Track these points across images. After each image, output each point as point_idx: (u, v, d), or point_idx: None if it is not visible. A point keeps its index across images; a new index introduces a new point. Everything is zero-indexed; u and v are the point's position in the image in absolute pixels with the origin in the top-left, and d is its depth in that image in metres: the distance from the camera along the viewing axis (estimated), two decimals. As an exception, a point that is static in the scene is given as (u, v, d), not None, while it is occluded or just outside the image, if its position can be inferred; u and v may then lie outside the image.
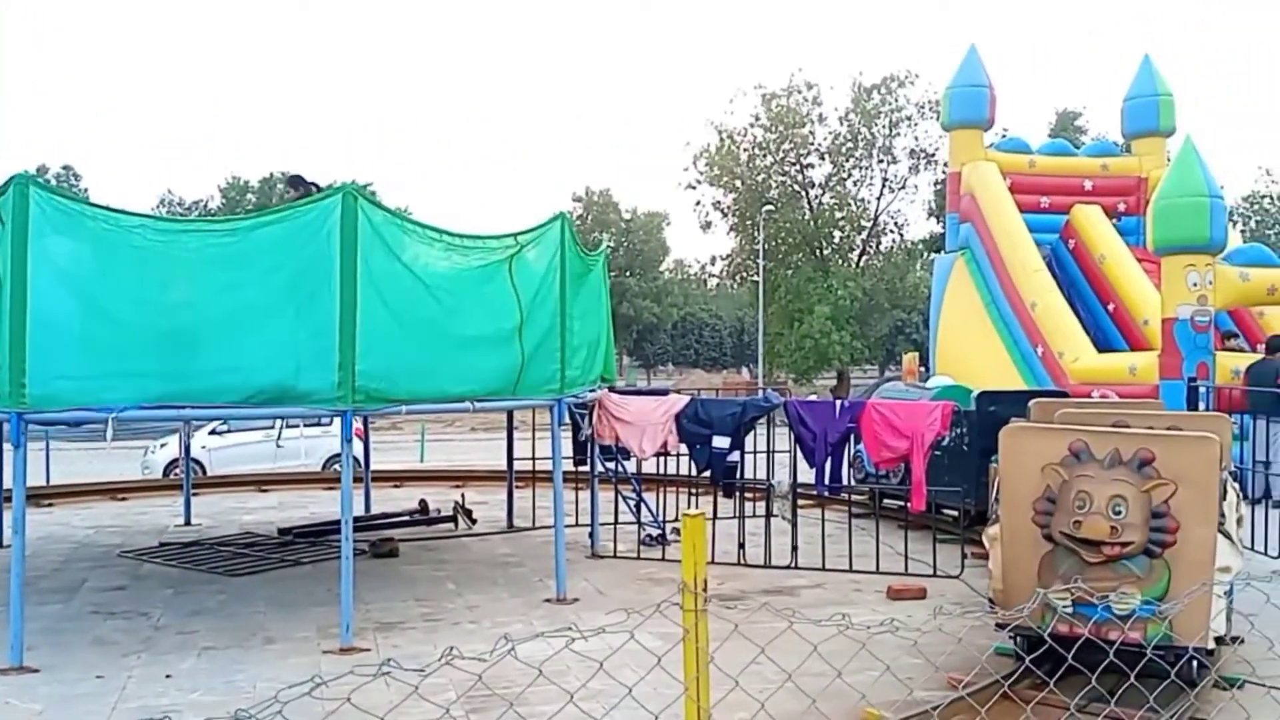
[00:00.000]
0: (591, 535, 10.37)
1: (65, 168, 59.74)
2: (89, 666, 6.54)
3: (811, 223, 45.01)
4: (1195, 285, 13.31)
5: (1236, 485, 6.44)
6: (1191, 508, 5.58)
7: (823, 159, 44.94)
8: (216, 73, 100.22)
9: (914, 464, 9.20)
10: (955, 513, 10.57)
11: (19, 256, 6.18)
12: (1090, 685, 4.14)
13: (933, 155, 43.80)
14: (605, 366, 10.49)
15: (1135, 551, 5.64)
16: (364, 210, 6.85)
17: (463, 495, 12.83)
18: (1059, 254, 17.86)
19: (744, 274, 48.85)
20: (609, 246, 14.33)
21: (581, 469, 11.07)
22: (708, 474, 10.09)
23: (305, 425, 17.68)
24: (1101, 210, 17.85)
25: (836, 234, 46.25)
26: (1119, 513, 5.64)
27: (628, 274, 63.61)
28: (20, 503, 6.47)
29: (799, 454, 9.75)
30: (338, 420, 7.15)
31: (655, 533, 10.57)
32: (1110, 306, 16.78)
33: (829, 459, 9.63)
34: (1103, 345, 15.96)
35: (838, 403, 9.99)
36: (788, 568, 9.45)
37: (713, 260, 51.74)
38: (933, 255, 26.60)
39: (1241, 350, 15.02)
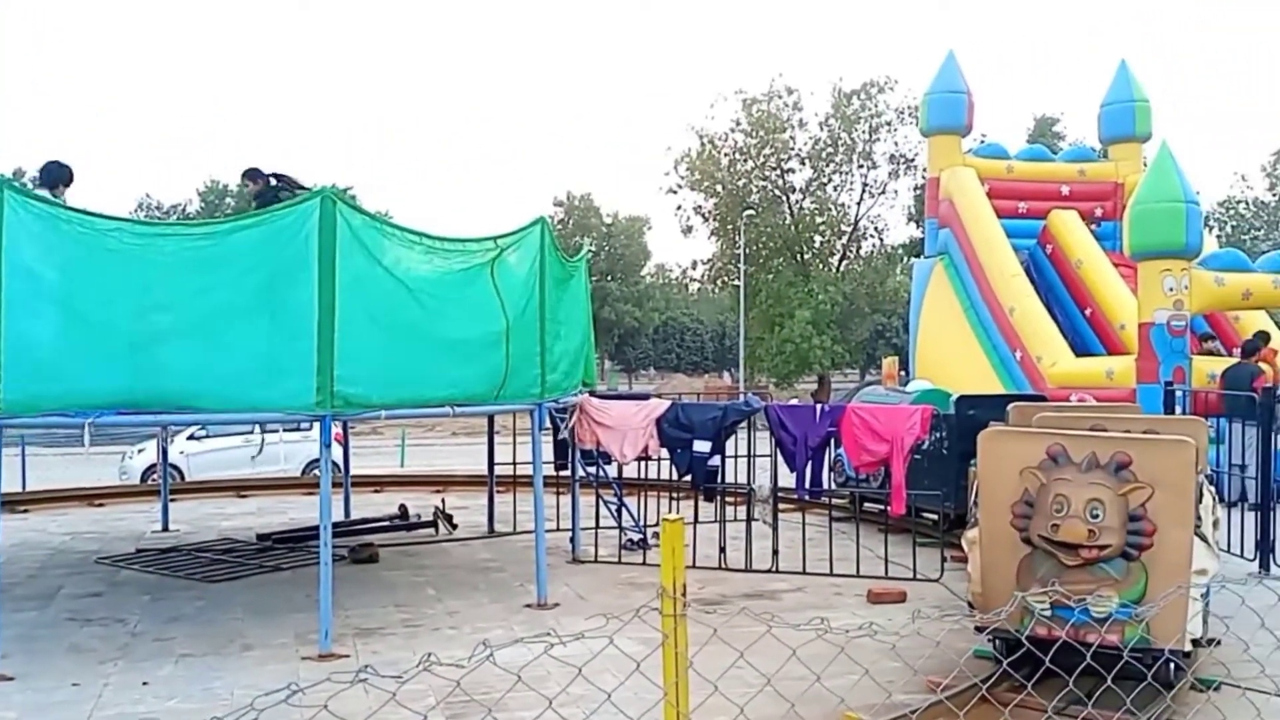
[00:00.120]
0: (572, 540, 10.35)
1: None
2: (65, 674, 6.48)
3: (792, 227, 45.16)
4: (1171, 290, 13.43)
5: (1212, 488, 6.49)
6: (1168, 511, 5.61)
7: (803, 164, 45.09)
8: (195, 76, 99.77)
9: (894, 468, 9.23)
10: (935, 516, 10.62)
11: (-7, 260, 6.12)
12: (1068, 688, 4.16)
13: (912, 160, 44.00)
14: (586, 371, 10.48)
15: (1112, 554, 5.67)
16: (343, 214, 6.83)
17: (443, 500, 12.78)
18: (1037, 259, 17.99)
19: (725, 278, 48.95)
20: (590, 251, 14.34)
21: (562, 473, 11.06)
22: (689, 478, 10.09)
23: (284, 430, 17.57)
24: (1079, 215, 17.99)
25: (817, 238, 46.42)
26: (1096, 516, 5.67)
27: (609, 278, 63.64)
28: (-6, 509, 6.41)
29: (780, 458, 9.77)
30: (317, 425, 7.11)
31: (636, 537, 10.57)
32: (1087, 311, 16.91)
33: (809, 463, 9.64)
34: (1080, 349, 16.08)
35: (818, 407, 10.01)
36: (769, 572, 9.46)
37: (694, 265, 51.81)
38: (912, 260, 26.70)
39: (1218, 354, 15.16)
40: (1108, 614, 5.59)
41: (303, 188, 9.36)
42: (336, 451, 12.43)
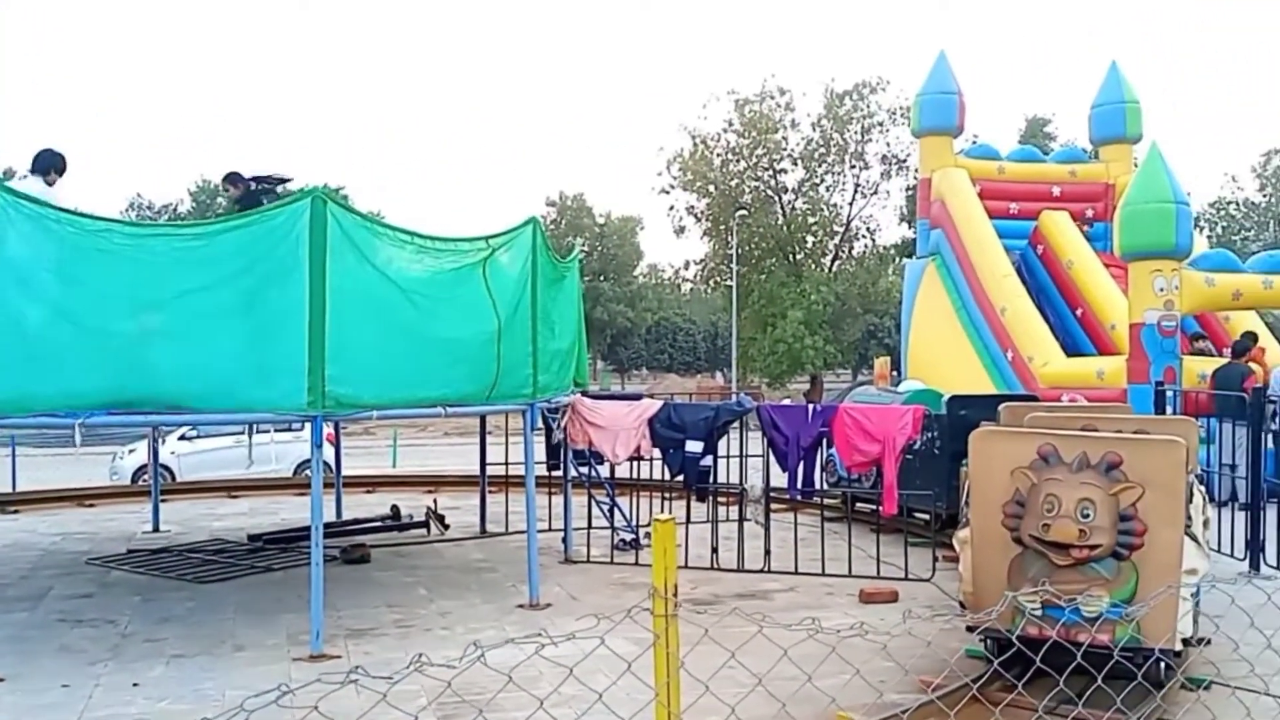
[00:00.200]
0: (565, 540, 10.35)
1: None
2: (55, 675, 6.46)
3: (784, 227, 45.22)
4: (1162, 290, 13.47)
5: (1203, 488, 6.52)
6: (1158, 510, 5.63)
7: (795, 164, 45.18)
8: (184, 76, 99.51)
9: (886, 468, 9.24)
10: (927, 516, 10.63)
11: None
12: (1059, 687, 4.17)
13: (904, 161, 44.12)
14: (578, 371, 10.48)
15: (1103, 554, 5.69)
16: (334, 214, 6.81)
17: (435, 500, 12.77)
18: (1028, 259, 18.03)
19: (717, 278, 48.98)
20: (582, 251, 14.34)
21: (555, 474, 11.05)
22: (681, 478, 10.09)
23: (276, 430, 17.53)
24: (1070, 216, 18.03)
25: (809, 239, 46.51)
26: (1087, 516, 5.69)
27: (601, 278, 63.61)
28: (-16, 510, 6.39)
29: (772, 458, 9.78)
30: (308, 425, 7.09)
31: (628, 537, 10.57)
32: (1078, 311, 16.95)
33: (802, 463, 9.65)
34: (1071, 350, 16.13)
35: (810, 407, 10.02)
36: (761, 571, 9.47)
37: (686, 265, 51.89)
38: (904, 260, 26.74)
39: (1208, 354, 15.20)
40: (1098, 613, 5.60)
41: (284, 180, 9.32)
42: (328, 452, 12.42)
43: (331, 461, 13.30)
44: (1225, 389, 12.16)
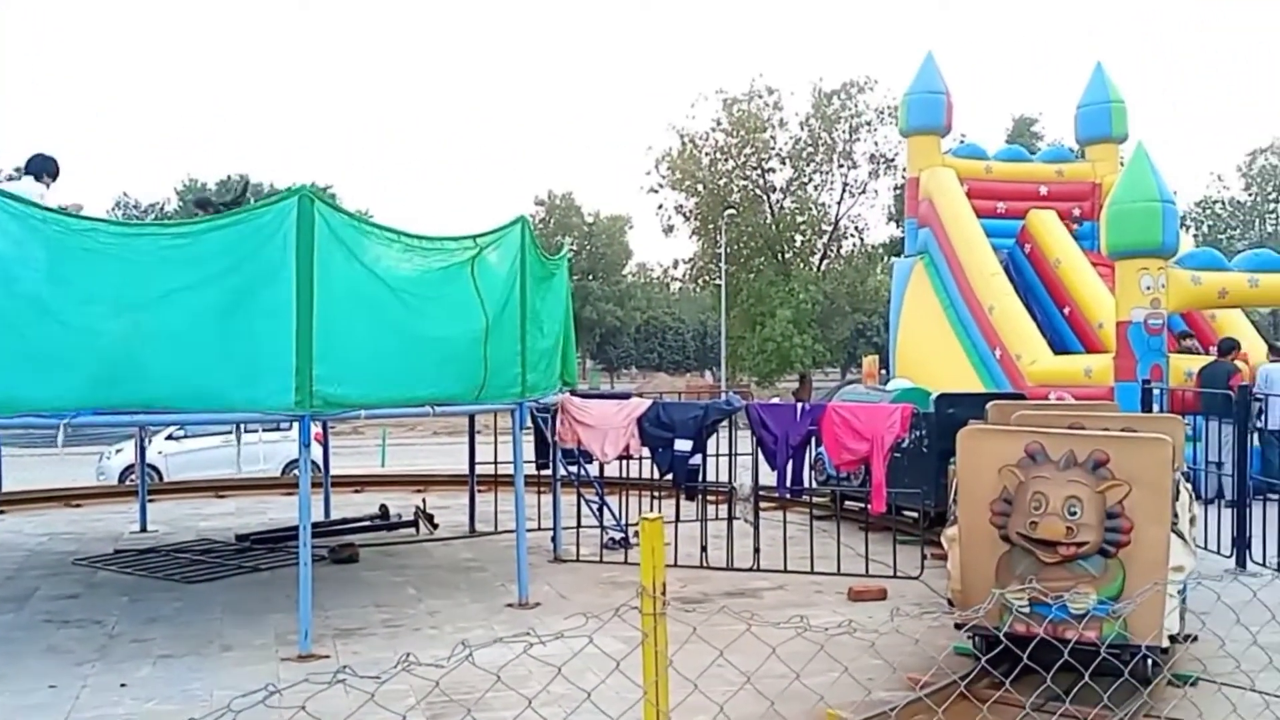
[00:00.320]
0: (554, 539, 10.35)
1: (17, 169, 58.72)
2: (42, 676, 6.43)
3: (773, 226, 45.25)
4: (1148, 289, 13.54)
5: (1189, 486, 6.54)
6: (1145, 508, 5.66)
7: (784, 163, 45.20)
8: (171, 75, 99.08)
9: (874, 466, 9.26)
10: (915, 514, 10.67)
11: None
12: (1046, 684, 4.19)
13: (892, 160, 44.18)
14: (567, 370, 10.47)
15: (1090, 551, 5.71)
16: (321, 213, 6.79)
17: (424, 500, 12.75)
18: (1016, 258, 18.09)
19: (706, 277, 48.98)
20: (571, 250, 14.34)
21: (544, 473, 11.05)
22: (670, 477, 10.10)
23: (264, 430, 17.50)
24: (1057, 215, 18.10)
25: (798, 238, 46.53)
26: (1074, 513, 5.71)
27: (590, 277, 63.60)
28: (-31, 510, 6.36)
29: (761, 457, 9.79)
30: (296, 425, 7.07)
31: (618, 536, 10.57)
32: (1066, 310, 17.02)
33: (790, 461, 9.67)
34: (1059, 348, 16.19)
35: (799, 406, 10.04)
36: (750, 570, 9.48)
37: (675, 264, 51.83)
38: (892, 259, 26.82)
39: (1194, 352, 15.27)
40: (1085, 610, 5.62)
41: (247, 185, 9.28)
42: (316, 451, 12.37)
43: (320, 461, 13.26)
44: (1211, 387, 12.22)
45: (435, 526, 11.90)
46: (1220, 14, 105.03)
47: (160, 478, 16.76)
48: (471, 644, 2.80)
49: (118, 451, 18.14)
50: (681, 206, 45.72)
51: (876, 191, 46.25)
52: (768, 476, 9.82)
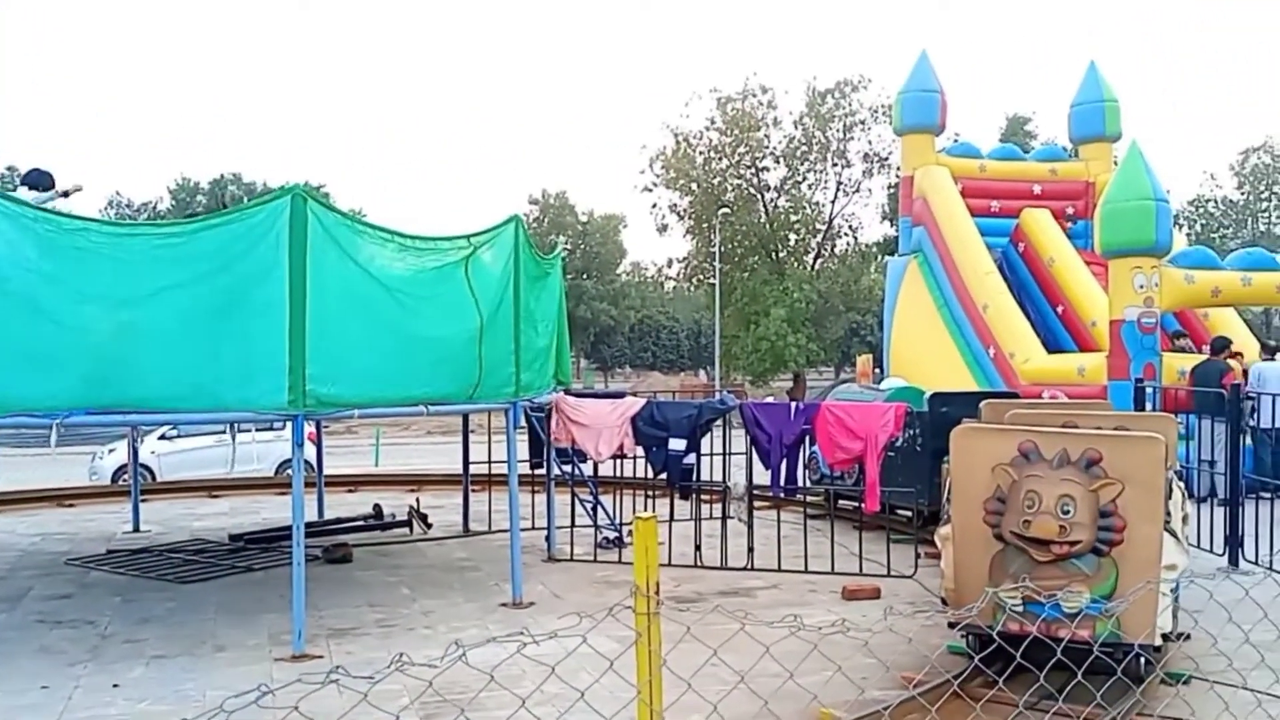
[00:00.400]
0: (548, 538, 10.34)
1: (10, 168, 58.53)
2: (34, 676, 6.41)
3: (767, 225, 45.27)
4: (1142, 287, 13.57)
5: (1182, 484, 6.56)
6: (1138, 507, 5.67)
7: (778, 162, 45.22)
8: (169, 73, 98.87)
9: (868, 465, 9.27)
10: (909, 513, 10.67)
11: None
12: (1039, 683, 4.19)
13: (886, 159, 44.23)
14: (561, 369, 10.47)
15: (1083, 550, 5.72)
16: (314, 212, 6.78)
17: (418, 499, 12.74)
18: (1009, 257, 18.12)
19: (700, 276, 48.99)
20: (565, 249, 14.31)
21: (538, 472, 11.04)
22: (664, 476, 10.10)
23: (257, 430, 17.43)
24: (1051, 214, 18.13)
25: (792, 237, 46.56)
26: (1067, 512, 5.72)
27: (584, 276, 63.58)
28: (-39, 511, 6.33)
29: (755, 456, 9.80)
30: (290, 424, 7.06)
31: (612, 535, 10.56)
32: (1059, 308, 17.05)
33: (784, 461, 9.67)
34: (1052, 346, 16.22)
35: (793, 405, 10.05)
36: (744, 569, 9.48)
37: (669, 263, 51.86)
38: (886, 258, 26.83)
39: (1188, 351, 15.31)
40: (1079, 609, 5.63)
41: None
42: (309, 451, 12.37)
43: (313, 460, 13.24)
44: (1204, 385, 12.24)
45: (429, 526, 11.89)
46: (1214, 14, 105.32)
47: (153, 477, 16.70)
48: (465, 644, 2.80)
49: (110, 451, 18.07)
50: (676, 205, 45.74)
51: (870, 190, 46.35)
52: (762, 476, 9.83)
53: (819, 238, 46.85)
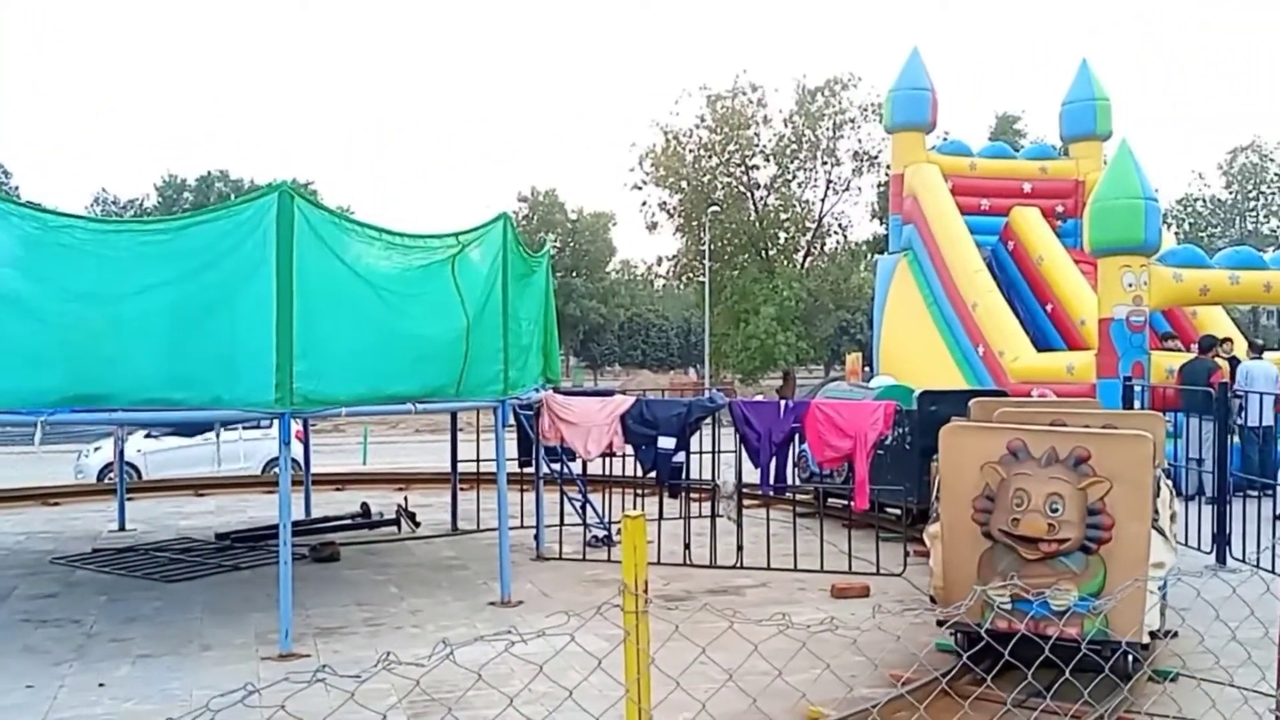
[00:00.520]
0: (537, 537, 10.32)
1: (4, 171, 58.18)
2: (19, 675, 6.37)
3: (757, 223, 45.26)
4: (1131, 286, 13.60)
5: (1170, 482, 6.57)
6: (1126, 505, 5.67)
7: (767, 160, 45.18)
8: (163, 71, 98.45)
9: (857, 463, 9.28)
10: (898, 511, 10.68)
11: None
12: (1027, 680, 4.19)
13: (875, 157, 44.23)
14: (550, 367, 10.44)
15: (1072, 548, 5.73)
16: (301, 209, 6.75)
17: (406, 498, 12.71)
18: (999, 255, 18.15)
19: (690, 274, 48.96)
20: (554, 247, 14.30)
21: (526, 470, 11.02)
22: (653, 474, 10.09)
23: (244, 428, 17.36)
24: (1040, 212, 18.17)
25: (781, 235, 46.55)
26: (1056, 510, 5.72)
27: (574, 274, 63.52)
28: (-55, 509, 6.29)
29: (744, 454, 9.79)
30: (277, 422, 7.03)
31: (601, 534, 10.55)
32: (1048, 307, 17.08)
33: (774, 459, 9.67)
34: (1041, 345, 16.25)
35: (782, 403, 10.04)
36: (733, 568, 9.48)
37: (659, 261, 51.75)
38: (876, 256, 26.87)
39: (1176, 350, 15.35)
40: (1067, 607, 5.64)
41: None
42: (297, 449, 12.32)
43: (300, 459, 13.19)
44: (1192, 384, 12.28)
45: (417, 525, 11.86)
46: (1205, 13, 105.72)
47: (139, 476, 16.62)
48: (453, 642, 2.78)
49: (96, 449, 17.97)
50: (665, 203, 45.67)
51: (860, 188, 46.30)
52: (751, 474, 9.82)
53: (809, 236, 46.86)
